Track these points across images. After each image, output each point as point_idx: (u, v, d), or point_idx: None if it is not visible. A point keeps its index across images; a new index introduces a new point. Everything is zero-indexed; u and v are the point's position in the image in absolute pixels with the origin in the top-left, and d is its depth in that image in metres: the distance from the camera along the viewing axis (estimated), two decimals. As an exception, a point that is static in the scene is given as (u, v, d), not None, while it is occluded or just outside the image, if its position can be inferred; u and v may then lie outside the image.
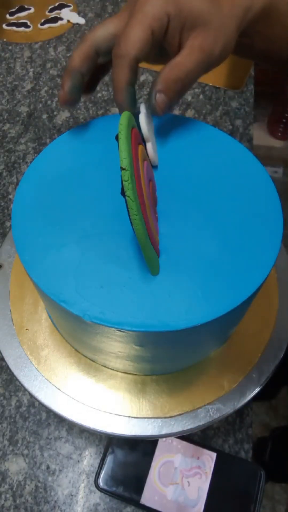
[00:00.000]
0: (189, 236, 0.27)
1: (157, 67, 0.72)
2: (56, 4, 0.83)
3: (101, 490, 0.38)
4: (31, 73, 0.72)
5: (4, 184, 0.58)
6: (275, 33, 0.32)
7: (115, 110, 0.67)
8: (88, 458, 0.40)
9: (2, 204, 0.56)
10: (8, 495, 0.38)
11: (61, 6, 0.82)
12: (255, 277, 0.26)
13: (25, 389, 0.34)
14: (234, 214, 0.29)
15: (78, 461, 0.40)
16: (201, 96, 0.69)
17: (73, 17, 0.81)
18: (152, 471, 0.38)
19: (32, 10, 0.81)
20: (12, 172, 0.59)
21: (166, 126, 0.33)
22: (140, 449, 0.39)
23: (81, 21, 0.80)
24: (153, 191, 0.28)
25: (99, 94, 0.69)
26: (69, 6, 0.82)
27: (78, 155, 0.32)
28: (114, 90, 0.29)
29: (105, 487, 0.38)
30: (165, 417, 0.32)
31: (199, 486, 0.38)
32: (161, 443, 0.39)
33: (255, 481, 0.38)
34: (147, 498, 0.37)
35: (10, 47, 0.77)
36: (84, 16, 0.82)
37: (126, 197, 0.21)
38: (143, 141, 0.29)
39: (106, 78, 0.71)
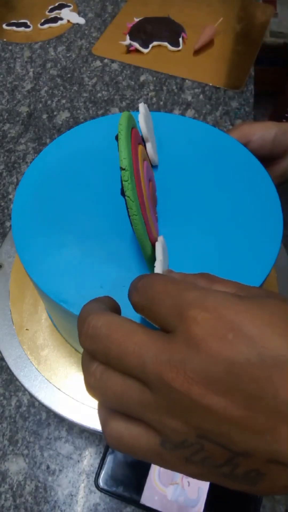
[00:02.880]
0: (188, 236, 0.27)
1: (156, 67, 0.72)
2: (56, 4, 0.83)
3: (101, 490, 0.38)
4: (31, 73, 0.72)
5: (4, 184, 0.58)
6: None
7: (115, 110, 0.67)
8: (88, 458, 0.40)
9: (2, 204, 0.56)
10: (8, 495, 0.38)
11: (61, 6, 0.82)
12: (255, 277, 0.26)
13: (25, 389, 0.34)
14: (234, 214, 0.29)
15: (78, 461, 0.40)
16: (201, 96, 0.69)
17: (73, 17, 0.81)
18: (152, 471, 0.38)
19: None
20: (12, 172, 0.59)
21: (166, 126, 0.33)
22: (140, 449, 0.39)
23: (81, 21, 0.80)
24: (152, 191, 0.28)
25: (99, 94, 0.69)
26: (69, 6, 0.82)
27: (78, 155, 0.32)
28: None
29: (105, 487, 0.38)
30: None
31: (199, 486, 0.38)
32: (161, 443, 0.39)
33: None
34: (147, 498, 0.37)
35: (10, 47, 0.77)
36: (84, 16, 0.82)
37: (126, 197, 0.21)
38: (143, 141, 0.29)
39: (107, 79, 0.71)
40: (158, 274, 0.19)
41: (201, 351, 0.14)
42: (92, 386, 0.17)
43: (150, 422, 0.16)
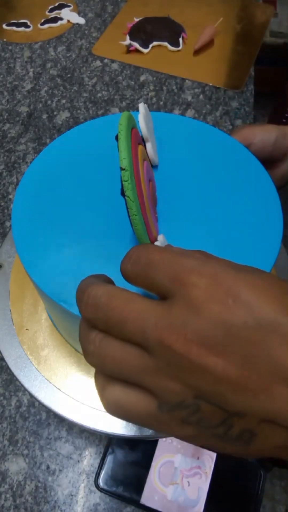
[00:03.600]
0: (188, 236, 0.27)
1: (156, 67, 0.72)
2: (56, 4, 0.83)
3: (101, 490, 0.38)
4: (31, 73, 0.72)
5: (4, 184, 0.58)
6: None
7: (115, 110, 0.67)
8: (88, 458, 0.40)
9: (2, 204, 0.56)
10: (8, 495, 0.38)
11: (61, 6, 0.82)
12: (255, 277, 0.26)
13: (25, 389, 0.34)
14: (234, 214, 0.29)
15: (78, 461, 0.40)
16: (201, 96, 0.69)
17: (73, 17, 0.81)
18: (152, 471, 0.38)
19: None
20: (12, 172, 0.59)
21: (166, 126, 0.33)
22: (140, 449, 0.39)
23: (81, 21, 0.80)
24: (153, 191, 0.28)
25: (99, 94, 0.69)
26: (69, 6, 0.82)
27: (78, 155, 0.32)
28: None
29: (105, 487, 0.38)
30: (165, 417, 0.32)
31: (199, 486, 0.38)
32: (161, 443, 0.39)
33: (255, 481, 0.38)
34: (147, 498, 0.37)
35: (10, 47, 0.77)
36: (84, 16, 0.82)
37: (126, 197, 0.21)
38: (143, 141, 0.29)
39: (107, 79, 0.71)
40: (153, 244, 0.19)
41: (201, 314, 0.15)
42: (91, 354, 0.18)
43: (148, 385, 0.16)
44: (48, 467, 0.40)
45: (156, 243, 0.24)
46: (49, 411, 0.42)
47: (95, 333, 0.18)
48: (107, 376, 0.18)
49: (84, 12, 0.83)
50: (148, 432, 0.32)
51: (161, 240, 0.24)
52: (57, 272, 0.26)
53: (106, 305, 0.17)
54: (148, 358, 0.16)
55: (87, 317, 0.18)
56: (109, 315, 0.17)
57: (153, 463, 0.39)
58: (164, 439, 0.40)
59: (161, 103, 0.68)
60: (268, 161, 0.39)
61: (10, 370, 0.34)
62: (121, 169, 0.21)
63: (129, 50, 0.75)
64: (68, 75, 0.72)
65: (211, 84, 0.71)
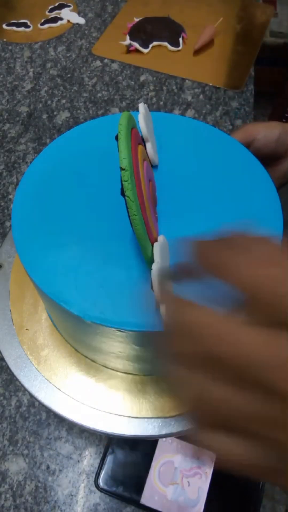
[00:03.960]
0: (188, 236, 0.27)
1: (156, 67, 0.72)
2: (56, 4, 0.83)
3: (101, 490, 0.38)
4: (31, 73, 0.72)
5: (4, 184, 0.58)
6: None
7: (115, 110, 0.67)
8: (88, 458, 0.40)
9: (2, 204, 0.56)
10: (8, 495, 0.38)
11: (61, 6, 0.82)
12: (255, 277, 0.26)
13: (25, 389, 0.34)
14: (234, 214, 0.29)
15: (78, 461, 0.40)
16: (201, 96, 0.69)
17: (73, 17, 0.81)
18: (152, 471, 0.38)
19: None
20: (12, 172, 0.59)
21: (166, 126, 0.33)
22: (140, 449, 0.39)
23: (81, 21, 0.81)
24: (152, 191, 0.28)
25: (99, 94, 0.69)
26: (69, 6, 0.82)
27: (78, 155, 0.32)
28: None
29: (105, 487, 0.38)
30: (165, 417, 0.32)
31: (199, 486, 0.38)
32: (161, 443, 0.39)
33: (255, 481, 0.38)
34: (147, 498, 0.37)
35: (10, 47, 0.77)
36: (84, 16, 0.82)
37: (126, 198, 0.21)
38: (143, 141, 0.29)
39: (107, 79, 0.71)
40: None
41: None
42: (199, 400, 0.15)
43: (270, 438, 0.14)
44: (48, 467, 0.40)
45: (156, 243, 0.24)
46: (49, 411, 0.42)
47: (202, 376, 0.14)
48: (212, 424, 0.15)
49: (84, 12, 0.83)
50: (147, 432, 0.32)
51: (161, 241, 0.24)
52: (57, 272, 0.26)
53: (214, 338, 0.14)
54: (270, 406, 0.14)
55: (182, 351, 0.15)
56: (219, 352, 0.14)
57: (153, 463, 0.39)
58: (164, 439, 0.40)
59: (161, 103, 0.68)
60: (271, 157, 0.39)
61: (10, 370, 0.34)
62: (121, 169, 0.21)
63: (129, 50, 0.75)
64: (68, 75, 0.72)
65: (211, 84, 0.71)
